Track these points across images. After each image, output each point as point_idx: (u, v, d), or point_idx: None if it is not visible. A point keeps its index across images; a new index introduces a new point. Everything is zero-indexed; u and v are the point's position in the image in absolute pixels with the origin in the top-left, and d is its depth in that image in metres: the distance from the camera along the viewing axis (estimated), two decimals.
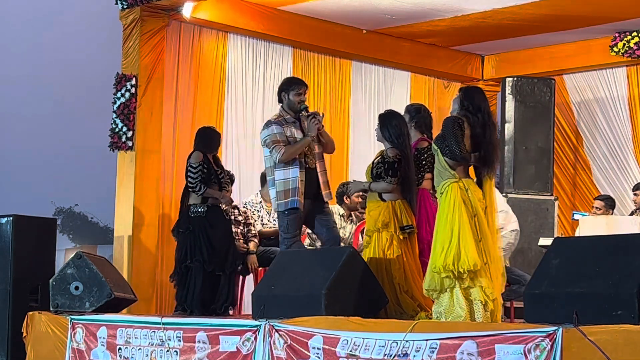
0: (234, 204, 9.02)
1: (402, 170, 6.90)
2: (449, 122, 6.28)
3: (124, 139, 9.41)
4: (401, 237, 6.87)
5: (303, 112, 7.64)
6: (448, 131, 6.22)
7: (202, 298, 7.88)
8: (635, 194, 9.81)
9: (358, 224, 8.96)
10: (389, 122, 7.05)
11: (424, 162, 7.22)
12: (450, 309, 6.11)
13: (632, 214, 9.85)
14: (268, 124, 7.66)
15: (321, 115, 7.71)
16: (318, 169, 7.64)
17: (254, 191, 9.59)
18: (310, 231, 8.27)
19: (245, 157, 10.30)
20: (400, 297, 6.79)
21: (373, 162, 7.08)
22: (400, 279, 6.80)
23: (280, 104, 7.78)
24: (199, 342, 6.66)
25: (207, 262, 7.90)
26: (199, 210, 7.99)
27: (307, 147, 7.57)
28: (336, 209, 9.00)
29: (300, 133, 7.61)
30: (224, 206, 8.21)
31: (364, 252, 6.96)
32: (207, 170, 8.01)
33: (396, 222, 6.88)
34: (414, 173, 7.01)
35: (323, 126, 7.69)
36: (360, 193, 8.55)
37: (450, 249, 6.06)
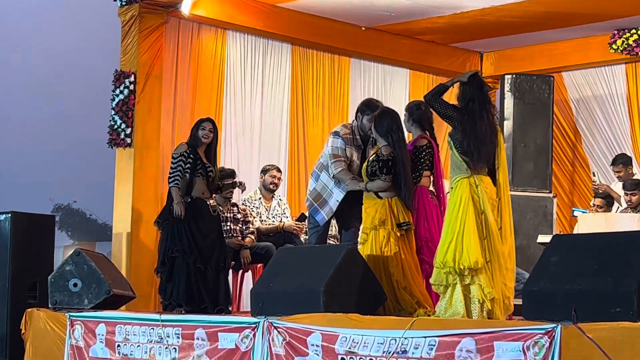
0: (232, 201, 9.03)
1: (395, 167, 6.90)
2: None
3: (122, 135, 9.41)
4: (398, 234, 6.87)
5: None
6: None
7: (188, 292, 7.75)
8: (633, 193, 9.68)
9: None
10: (381, 120, 7.05)
11: (422, 160, 7.22)
12: (450, 305, 6.12)
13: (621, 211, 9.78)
14: (337, 135, 7.69)
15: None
16: None
17: (252, 188, 9.60)
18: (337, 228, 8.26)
19: (244, 154, 10.31)
20: (399, 294, 6.79)
21: (368, 160, 7.09)
22: (398, 276, 6.81)
23: (354, 121, 7.78)
24: (197, 339, 6.66)
25: (187, 254, 7.75)
26: (183, 201, 7.84)
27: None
28: None
29: (359, 157, 7.62)
30: (211, 201, 8.13)
31: (360, 249, 6.96)
32: (193, 161, 7.88)
33: (393, 219, 6.88)
34: (409, 170, 7.00)
35: None
36: None
37: (451, 245, 6.06)
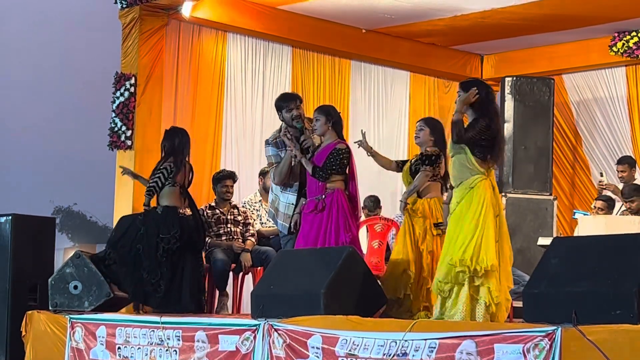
0: (233, 203, 9.03)
1: (439, 166, 6.90)
2: None
3: (123, 138, 9.42)
4: (434, 232, 6.88)
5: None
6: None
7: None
8: (631, 200, 9.61)
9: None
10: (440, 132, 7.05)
11: (342, 162, 7.19)
12: (453, 305, 6.10)
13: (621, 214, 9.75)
14: (267, 143, 7.76)
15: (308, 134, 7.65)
16: None
17: (253, 190, 9.59)
18: None
19: (244, 156, 10.31)
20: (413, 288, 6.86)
21: (410, 162, 7.10)
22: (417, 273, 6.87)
23: (282, 122, 7.79)
24: (198, 341, 6.66)
25: None
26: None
27: (291, 161, 7.52)
28: None
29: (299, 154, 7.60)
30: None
31: (401, 233, 7.01)
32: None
33: (431, 218, 6.90)
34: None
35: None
36: None
37: (470, 245, 6.03)
